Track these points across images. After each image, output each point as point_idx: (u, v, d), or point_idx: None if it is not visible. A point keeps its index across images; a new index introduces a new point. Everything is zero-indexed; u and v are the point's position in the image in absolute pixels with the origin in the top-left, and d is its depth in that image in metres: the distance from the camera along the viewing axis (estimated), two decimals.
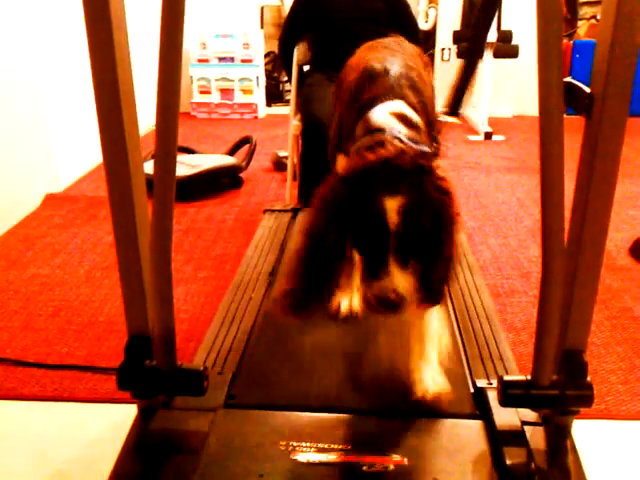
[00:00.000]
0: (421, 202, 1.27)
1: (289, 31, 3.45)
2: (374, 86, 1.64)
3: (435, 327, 1.58)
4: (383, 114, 1.54)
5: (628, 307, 2.42)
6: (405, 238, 1.27)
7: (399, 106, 1.57)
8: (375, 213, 1.26)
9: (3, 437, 1.75)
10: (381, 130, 1.48)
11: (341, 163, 1.76)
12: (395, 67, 1.69)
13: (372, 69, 1.70)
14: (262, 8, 6.82)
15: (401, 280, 1.28)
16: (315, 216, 1.37)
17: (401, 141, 1.42)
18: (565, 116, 1.14)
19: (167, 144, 1.20)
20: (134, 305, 1.41)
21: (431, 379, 1.53)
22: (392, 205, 1.25)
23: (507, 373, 1.65)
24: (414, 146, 1.41)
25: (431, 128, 1.68)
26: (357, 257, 1.36)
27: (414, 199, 1.26)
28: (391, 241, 1.26)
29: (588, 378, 1.35)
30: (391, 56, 1.78)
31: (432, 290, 1.37)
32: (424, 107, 1.66)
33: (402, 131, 1.48)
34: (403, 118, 1.53)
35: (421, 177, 1.29)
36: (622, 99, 1.17)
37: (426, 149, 1.45)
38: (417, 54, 1.98)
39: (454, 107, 1.68)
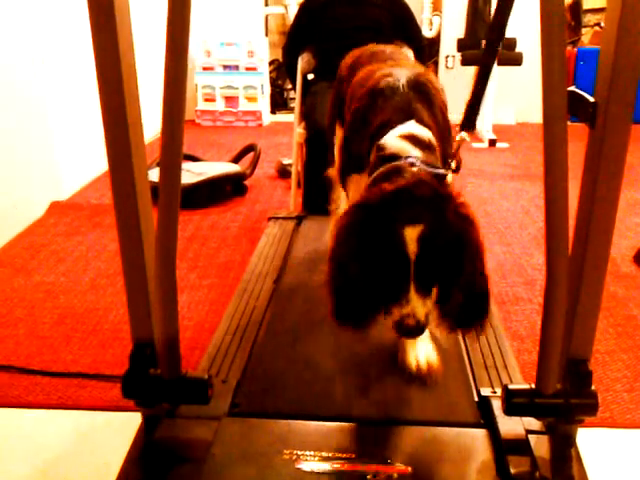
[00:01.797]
0: (441, 230, 1.30)
1: (293, 40, 3.46)
2: (382, 110, 1.64)
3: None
4: (395, 140, 1.54)
5: (633, 315, 2.42)
6: (425, 266, 1.29)
7: (410, 128, 1.57)
8: (395, 242, 1.28)
9: (7, 444, 1.75)
10: (396, 157, 1.49)
11: (355, 182, 1.78)
12: (402, 79, 1.68)
13: (378, 89, 1.69)
14: (267, 16, 6.85)
15: (420, 307, 1.30)
16: (337, 246, 1.40)
17: (417, 167, 1.43)
18: (569, 123, 1.14)
19: (172, 152, 1.21)
20: (139, 313, 1.41)
21: (424, 355, 1.65)
22: (412, 234, 1.27)
23: (511, 382, 1.65)
24: (430, 170, 1.43)
25: (445, 140, 1.68)
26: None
27: (433, 227, 1.29)
28: (411, 269, 1.28)
29: (593, 387, 1.35)
30: (395, 67, 1.78)
31: (468, 320, 1.40)
32: (435, 118, 1.66)
33: (416, 155, 1.49)
34: (415, 140, 1.54)
35: (440, 205, 1.31)
36: (626, 107, 1.17)
37: (442, 172, 1.47)
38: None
39: (470, 122, 1.66)
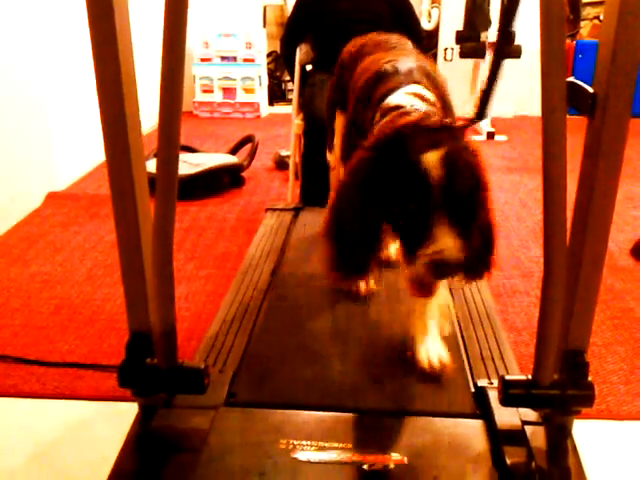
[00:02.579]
0: (459, 156, 1.23)
1: (291, 31, 3.45)
2: (388, 82, 1.62)
3: (437, 304, 1.59)
4: (401, 95, 1.51)
5: (630, 307, 2.42)
6: (450, 194, 1.21)
7: (415, 88, 1.54)
8: (416, 170, 1.20)
9: (3, 434, 1.76)
10: (401, 107, 1.45)
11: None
12: (407, 64, 1.66)
13: (384, 70, 1.67)
14: (265, 7, 6.83)
15: (452, 240, 1.20)
16: (347, 188, 1.32)
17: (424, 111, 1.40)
18: (568, 116, 1.14)
19: (170, 143, 1.20)
20: (135, 303, 1.41)
21: (436, 353, 1.60)
22: (433, 159, 1.20)
23: (508, 373, 1.65)
24: (439, 116, 1.39)
25: (447, 112, 1.65)
26: (396, 229, 1.30)
27: (452, 152, 1.22)
28: (436, 198, 1.20)
29: (589, 378, 1.35)
30: (401, 56, 1.77)
31: (479, 261, 1.34)
32: (440, 93, 1.63)
33: (422, 107, 1.45)
34: (422, 97, 1.51)
35: (453, 134, 1.26)
36: (625, 99, 1.17)
37: (450, 121, 1.40)
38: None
39: (482, 111, 1.66)
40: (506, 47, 1.75)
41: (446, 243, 1.20)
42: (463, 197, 1.25)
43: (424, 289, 1.39)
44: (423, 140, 1.22)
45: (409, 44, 2.04)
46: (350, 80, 1.96)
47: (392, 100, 1.51)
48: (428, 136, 1.23)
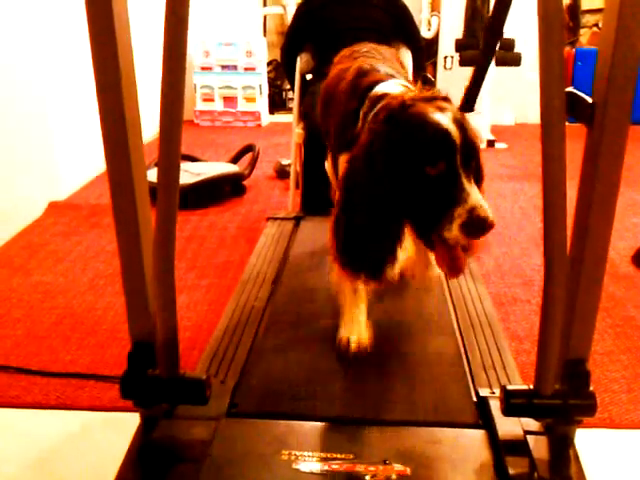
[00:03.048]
0: (463, 118, 1.30)
1: (292, 40, 3.46)
2: (369, 76, 1.66)
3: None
4: (385, 87, 1.56)
5: (631, 315, 2.42)
6: (466, 151, 1.26)
7: (399, 81, 1.60)
8: (439, 131, 1.25)
9: (6, 444, 1.75)
10: (387, 95, 1.49)
11: (342, 162, 1.76)
12: (384, 67, 1.71)
13: (362, 69, 1.71)
14: (265, 16, 6.85)
15: (480, 195, 1.24)
16: (363, 166, 1.34)
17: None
18: (567, 124, 1.14)
19: (170, 152, 1.21)
20: (137, 313, 1.41)
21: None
22: (447, 120, 1.25)
23: (510, 382, 1.65)
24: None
25: None
26: (421, 200, 1.31)
27: (457, 115, 1.29)
28: (458, 158, 1.24)
29: (591, 387, 1.35)
30: (376, 61, 1.81)
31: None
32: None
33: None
34: (407, 87, 1.56)
35: (450, 102, 1.33)
36: (624, 107, 1.17)
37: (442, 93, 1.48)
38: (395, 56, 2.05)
39: (470, 104, 1.72)
40: (494, 43, 1.79)
41: (478, 199, 1.23)
42: (477, 154, 1.32)
43: (456, 264, 1.37)
44: (432, 106, 1.29)
45: (386, 53, 2.06)
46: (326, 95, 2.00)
47: (380, 89, 1.55)
48: (433, 104, 1.30)
